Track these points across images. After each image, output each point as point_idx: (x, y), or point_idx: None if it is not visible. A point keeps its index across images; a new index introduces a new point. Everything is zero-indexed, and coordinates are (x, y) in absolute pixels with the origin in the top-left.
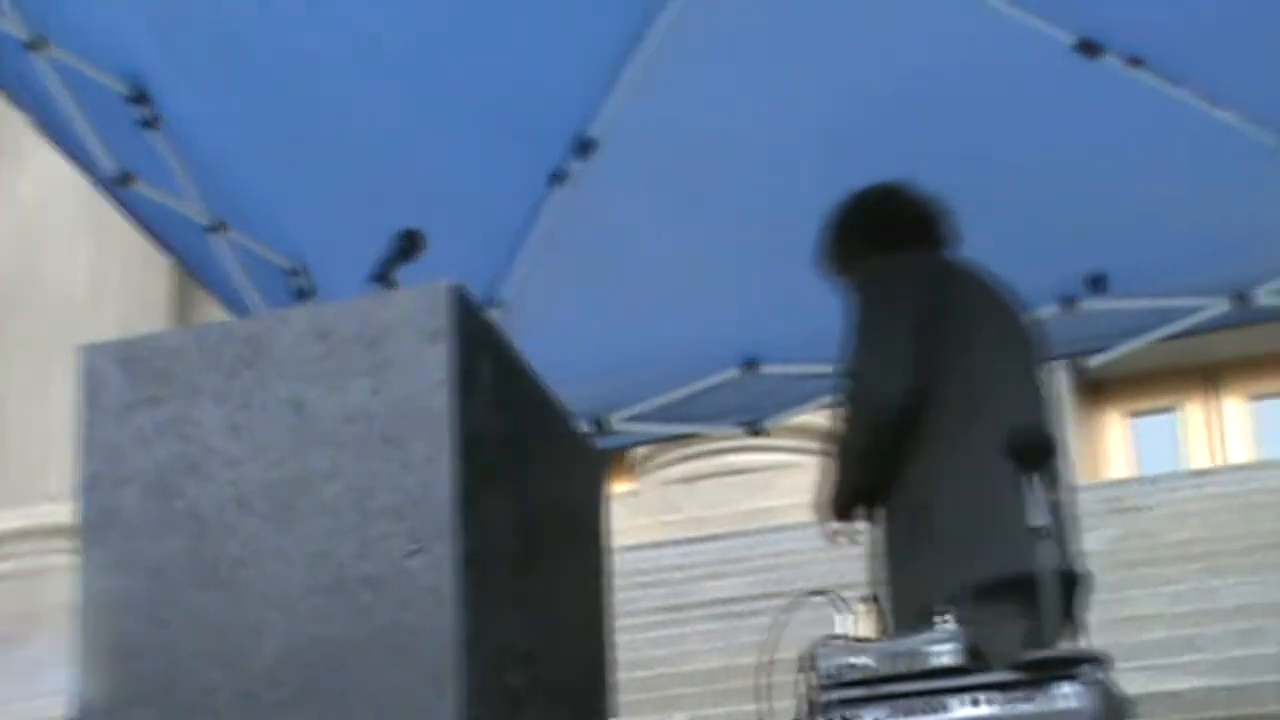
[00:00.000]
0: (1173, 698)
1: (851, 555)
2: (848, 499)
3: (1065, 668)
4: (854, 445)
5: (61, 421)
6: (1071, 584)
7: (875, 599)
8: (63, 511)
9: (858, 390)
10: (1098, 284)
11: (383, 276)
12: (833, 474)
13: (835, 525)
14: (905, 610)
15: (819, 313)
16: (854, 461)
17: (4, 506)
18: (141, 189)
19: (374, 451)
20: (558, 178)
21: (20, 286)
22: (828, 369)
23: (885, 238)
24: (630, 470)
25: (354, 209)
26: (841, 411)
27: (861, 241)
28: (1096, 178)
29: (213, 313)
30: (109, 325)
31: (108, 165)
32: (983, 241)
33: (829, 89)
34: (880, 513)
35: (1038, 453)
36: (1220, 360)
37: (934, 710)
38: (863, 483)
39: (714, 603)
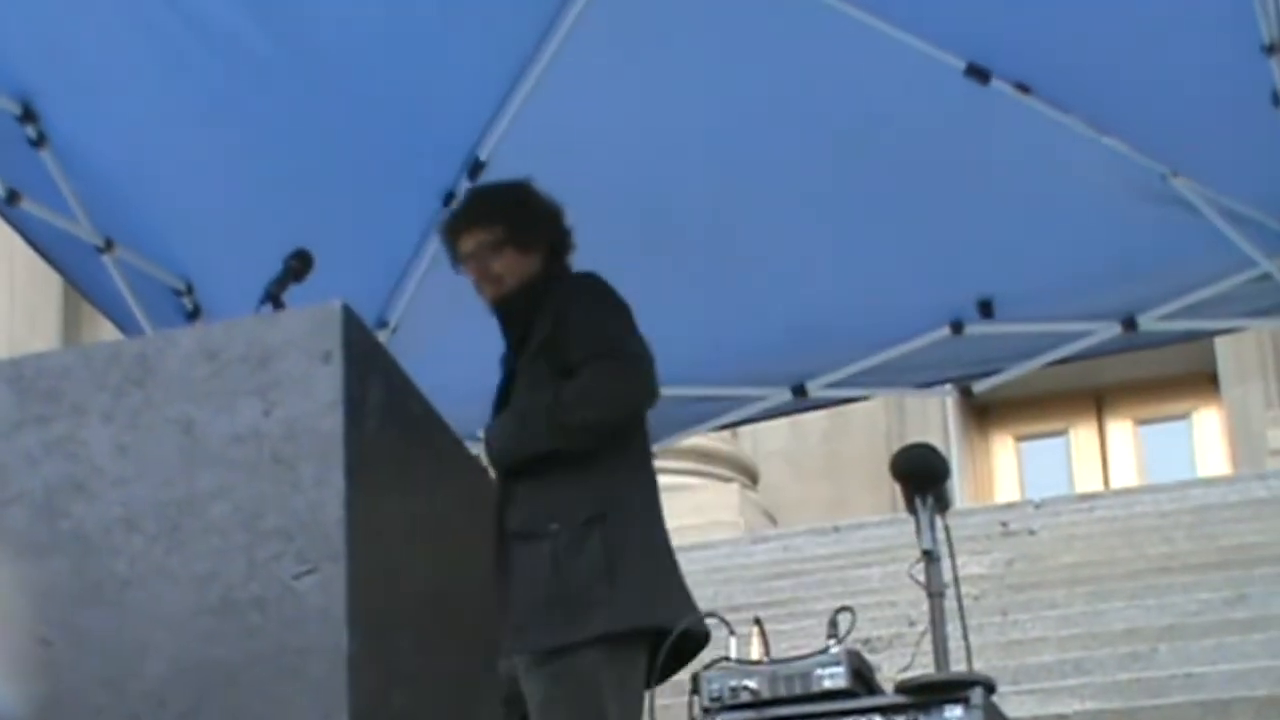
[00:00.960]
0: None
1: (742, 579)
2: (528, 459)
3: (952, 691)
4: (594, 414)
5: None
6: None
7: (759, 622)
8: None
9: (628, 366)
10: (986, 308)
11: (273, 297)
12: (535, 426)
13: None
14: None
15: (708, 335)
16: (579, 427)
17: None
18: (30, 207)
19: (263, 472)
20: (449, 199)
21: None
22: (719, 392)
23: (562, 236)
24: None
25: (243, 229)
26: (591, 374)
27: (545, 228)
28: (986, 202)
29: (105, 331)
30: None
31: None
32: (873, 263)
33: (717, 111)
34: (531, 512)
35: (928, 475)
36: (1107, 384)
37: None
38: (563, 450)
39: None
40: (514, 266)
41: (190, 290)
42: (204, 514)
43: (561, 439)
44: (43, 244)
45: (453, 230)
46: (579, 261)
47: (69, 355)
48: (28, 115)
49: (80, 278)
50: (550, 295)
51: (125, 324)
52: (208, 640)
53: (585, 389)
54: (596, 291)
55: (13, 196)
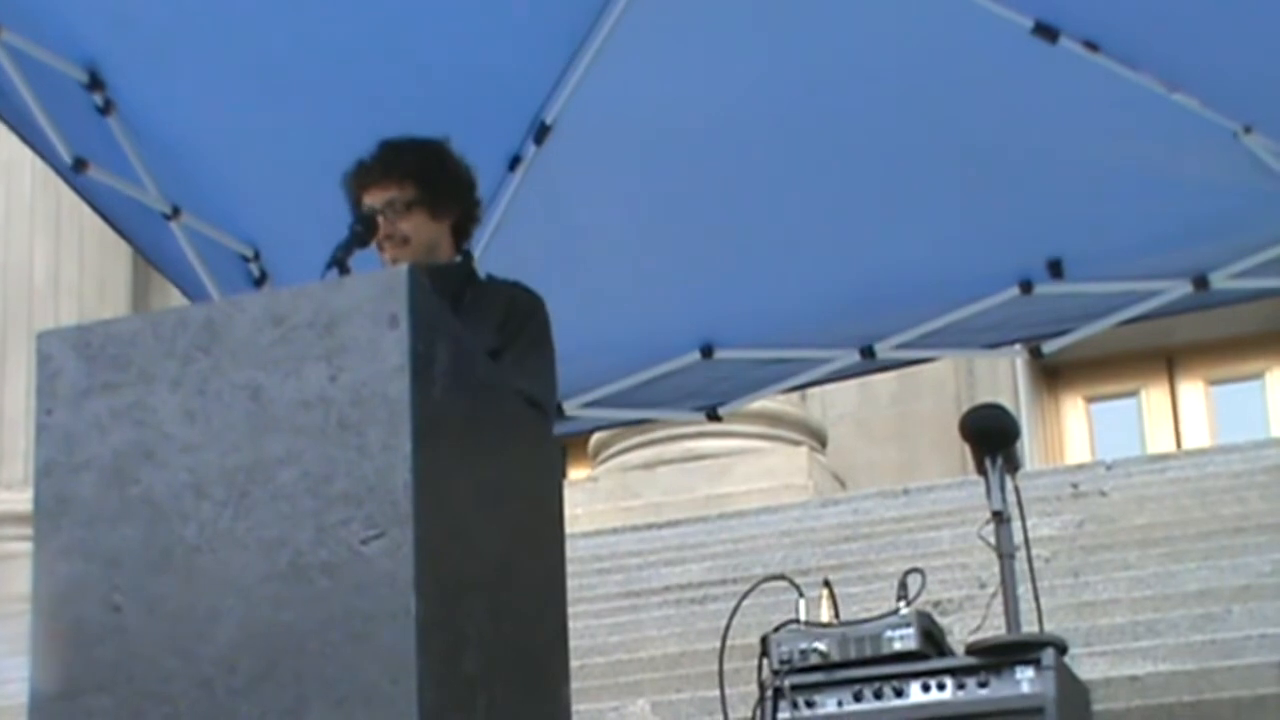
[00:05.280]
0: (1133, 682)
1: (811, 542)
2: None
3: (1023, 653)
4: None
5: (20, 409)
6: None
7: (829, 584)
8: (21, 499)
9: None
10: (1056, 268)
11: (339, 262)
12: None
13: None
14: None
15: (776, 297)
16: None
17: None
18: (98, 175)
19: (331, 437)
20: (514, 163)
21: None
22: (786, 354)
23: (473, 207)
24: (589, 456)
25: (309, 195)
26: None
27: (460, 195)
28: (1055, 162)
29: (174, 299)
30: (68, 312)
31: (64, 151)
32: (941, 224)
33: (783, 74)
34: None
35: (998, 435)
36: (1179, 344)
37: (892, 695)
38: None
39: (672, 589)
40: (422, 230)
41: (257, 256)
42: (272, 480)
43: None
44: (110, 212)
45: (361, 180)
46: (652, 219)
47: (136, 322)
48: (94, 83)
49: (148, 245)
50: (499, 294)
51: (193, 291)
52: (277, 605)
53: None
54: (548, 330)
55: (80, 164)
